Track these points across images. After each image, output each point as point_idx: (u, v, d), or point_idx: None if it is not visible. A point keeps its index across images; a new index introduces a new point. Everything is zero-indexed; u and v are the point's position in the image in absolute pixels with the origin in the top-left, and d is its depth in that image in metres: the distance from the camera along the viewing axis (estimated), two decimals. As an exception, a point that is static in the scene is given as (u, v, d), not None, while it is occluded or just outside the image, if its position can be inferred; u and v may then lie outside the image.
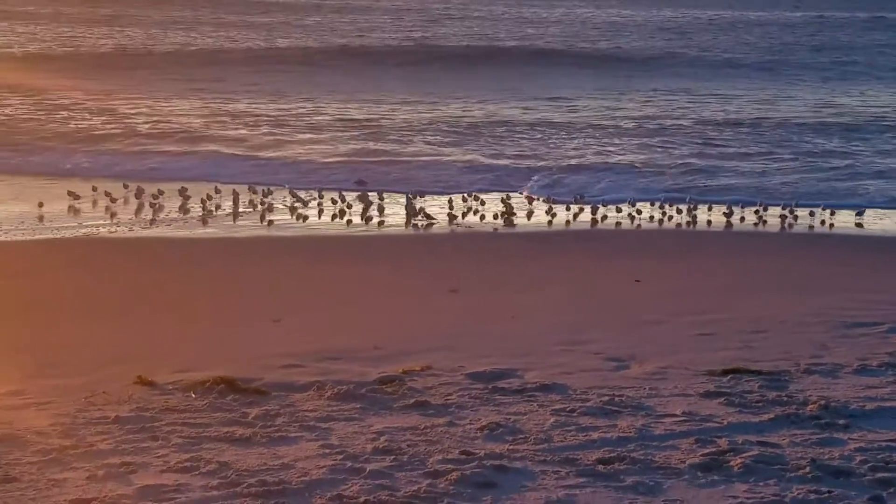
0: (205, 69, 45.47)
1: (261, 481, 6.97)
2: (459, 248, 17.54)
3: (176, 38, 58.67)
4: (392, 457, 7.52)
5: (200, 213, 19.87)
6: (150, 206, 20.25)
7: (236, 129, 30.34)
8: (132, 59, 49.06)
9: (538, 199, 21.53)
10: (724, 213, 20.35)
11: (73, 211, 19.97)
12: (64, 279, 15.01)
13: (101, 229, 18.44)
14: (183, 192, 20.56)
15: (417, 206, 19.87)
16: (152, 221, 19.15)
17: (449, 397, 9.08)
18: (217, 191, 20.86)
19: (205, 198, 20.35)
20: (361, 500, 6.72)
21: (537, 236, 18.52)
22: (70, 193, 20.47)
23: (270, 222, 19.22)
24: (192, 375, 9.61)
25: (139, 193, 20.97)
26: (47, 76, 40.03)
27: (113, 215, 19.73)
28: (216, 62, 48.21)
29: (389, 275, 15.69)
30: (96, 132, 29.17)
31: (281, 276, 15.34)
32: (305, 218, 19.91)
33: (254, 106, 35.19)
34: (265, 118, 32.54)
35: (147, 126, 30.29)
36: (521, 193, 22.28)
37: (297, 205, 20.48)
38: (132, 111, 33.19)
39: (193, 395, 9.07)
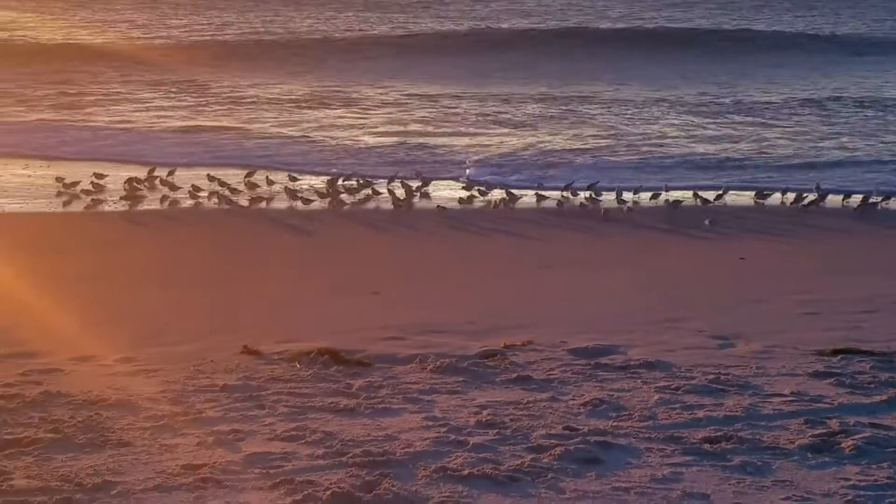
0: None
1: (365, 451, 7.02)
2: (556, 226, 17.41)
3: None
4: (495, 430, 7.51)
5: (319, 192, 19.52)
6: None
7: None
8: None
9: None
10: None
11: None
12: (174, 249, 15.34)
13: (209, 202, 18.71)
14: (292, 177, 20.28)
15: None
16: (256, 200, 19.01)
17: (551, 372, 9.04)
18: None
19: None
20: (465, 472, 6.73)
21: (639, 213, 18.26)
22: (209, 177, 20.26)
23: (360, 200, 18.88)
24: (297, 346, 9.75)
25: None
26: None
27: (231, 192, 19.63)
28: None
29: (485, 250, 15.69)
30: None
31: (379, 250, 15.45)
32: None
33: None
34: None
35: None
36: None
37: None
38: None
39: (298, 366, 9.19)
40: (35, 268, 13.54)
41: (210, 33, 50.27)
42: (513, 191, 19.17)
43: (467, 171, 22.06)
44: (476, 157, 23.55)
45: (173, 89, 33.75)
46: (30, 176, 20.98)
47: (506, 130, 27.30)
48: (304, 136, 26.23)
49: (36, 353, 9.55)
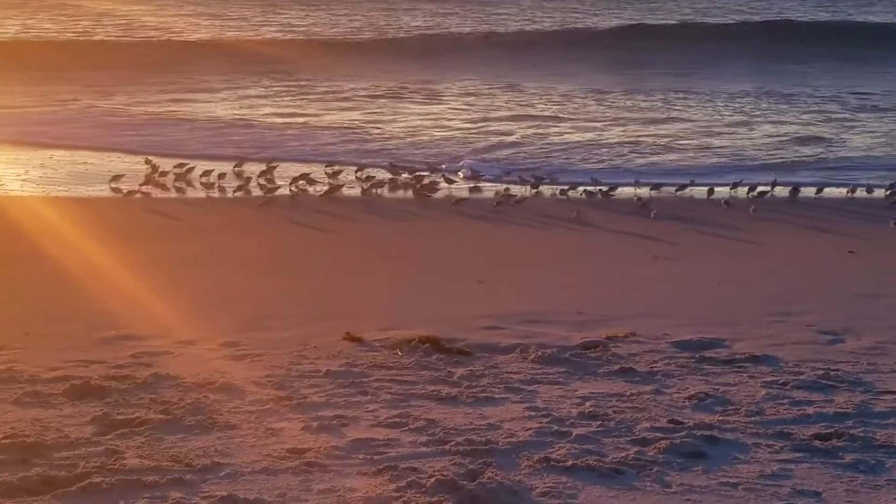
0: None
1: (468, 440, 7.02)
2: (662, 216, 17.20)
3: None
4: (598, 422, 7.45)
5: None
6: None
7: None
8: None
9: None
10: None
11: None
12: (276, 236, 15.55)
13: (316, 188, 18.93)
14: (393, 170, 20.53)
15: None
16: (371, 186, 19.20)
17: (654, 365, 8.93)
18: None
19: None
20: (569, 463, 6.69)
21: (747, 204, 17.92)
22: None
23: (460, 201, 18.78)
24: (399, 333, 9.79)
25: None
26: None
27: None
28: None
29: (590, 241, 15.58)
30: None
31: (485, 238, 15.45)
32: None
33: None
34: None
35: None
36: None
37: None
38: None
39: (400, 353, 9.23)
40: (143, 254, 13.85)
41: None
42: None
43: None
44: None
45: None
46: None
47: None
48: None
49: (145, 336, 9.77)
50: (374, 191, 18.96)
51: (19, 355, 9.03)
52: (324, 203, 18.09)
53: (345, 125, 27.70)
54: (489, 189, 19.43)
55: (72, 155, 23.15)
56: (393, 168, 20.41)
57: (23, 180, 20.11)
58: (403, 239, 15.58)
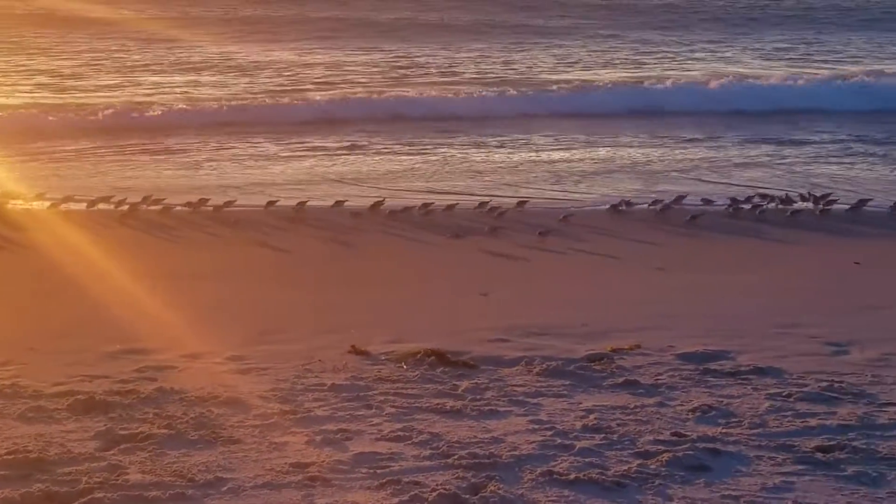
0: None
1: (471, 454, 7.04)
2: (666, 225, 17.17)
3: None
4: (602, 435, 7.47)
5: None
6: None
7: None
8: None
9: None
10: None
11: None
12: (282, 249, 15.56)
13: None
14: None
15: None
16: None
17: (659, 377, 8.94)
18: None
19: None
20: (572, 476, 6.70)
21: (750, 214, 17.88)
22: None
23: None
24: (403, 347, 9.82)
25: None
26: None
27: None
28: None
29: (594, 252, 15.56)
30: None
31: (488, 251, 15.44)
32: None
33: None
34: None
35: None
36: None
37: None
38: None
39: (405, 366, 9.26)
40: (149, 266, 13.88)
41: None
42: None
43: None
44: None
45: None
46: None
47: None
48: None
49: (151, 350, 9.81)
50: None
51: (24, 370, 9.07)
52: (331, 215, 18.07)
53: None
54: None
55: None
56: None
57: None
58: (408, 252, 15.58)
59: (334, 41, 42.45)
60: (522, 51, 40.22)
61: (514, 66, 36.63)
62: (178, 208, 17.50)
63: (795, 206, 17.83)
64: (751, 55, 39.54)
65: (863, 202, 17.89)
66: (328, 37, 43.78)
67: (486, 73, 35.24)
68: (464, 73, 35.27)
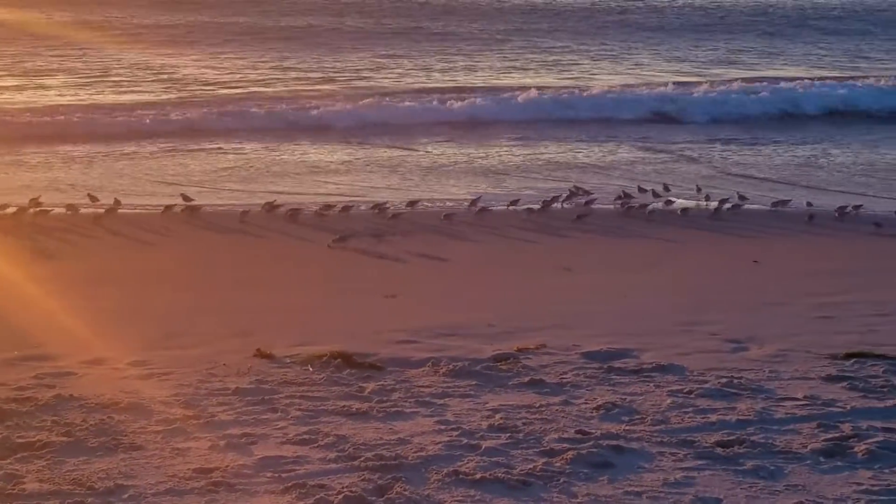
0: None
1: (377, 455, 7.02)
2: (574, 227, 17.36)
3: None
4: (508, 434, 7.50)
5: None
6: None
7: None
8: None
9: None
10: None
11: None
12: (183, 250, 15.36)
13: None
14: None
15: None
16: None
17: (564, 376, 9.02)
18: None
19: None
20: (477, 476, 6.72)
21: (655, 215, 18.17)
22: None
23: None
24: (309, 349, 9.75)
25: None
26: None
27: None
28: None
29: (502, 253, 15.67)
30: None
31: (393, 253, 15.44)
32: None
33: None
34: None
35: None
36: None
37: None
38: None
39: (311, 369, 9.19)
40: (47, 271, 13.58)
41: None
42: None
43: None
44: None
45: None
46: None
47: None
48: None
49: (49, 356, 9.57)
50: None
51: (-82, 379, 8.78)
52: (232, 218, 17.88)
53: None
54: None
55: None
56: None
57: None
58: (314, 254, 15.50)
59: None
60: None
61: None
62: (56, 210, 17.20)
63: (680, 203, 18.35)
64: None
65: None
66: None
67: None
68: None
